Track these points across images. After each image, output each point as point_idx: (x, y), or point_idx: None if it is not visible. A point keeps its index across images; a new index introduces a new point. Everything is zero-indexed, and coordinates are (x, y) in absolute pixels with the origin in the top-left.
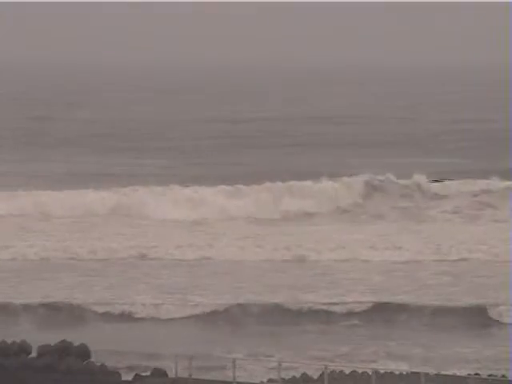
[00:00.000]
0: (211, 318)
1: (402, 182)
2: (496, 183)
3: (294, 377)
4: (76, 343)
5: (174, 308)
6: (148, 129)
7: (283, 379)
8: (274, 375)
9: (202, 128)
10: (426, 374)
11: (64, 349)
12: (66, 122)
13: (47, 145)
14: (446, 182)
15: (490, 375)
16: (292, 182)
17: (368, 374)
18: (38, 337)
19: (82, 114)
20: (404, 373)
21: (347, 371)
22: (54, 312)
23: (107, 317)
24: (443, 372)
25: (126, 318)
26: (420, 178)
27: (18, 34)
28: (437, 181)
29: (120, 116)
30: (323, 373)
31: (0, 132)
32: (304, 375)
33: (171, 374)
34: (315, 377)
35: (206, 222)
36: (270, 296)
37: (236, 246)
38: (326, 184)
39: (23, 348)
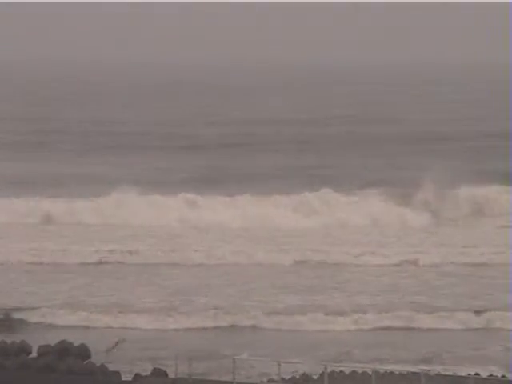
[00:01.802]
0: None
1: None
2: None
3: (293, 377)
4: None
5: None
6: (152, 128)
7: (283, 379)
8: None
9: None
10: (426, 374)
11: (64, 349)
12: (64, 121)
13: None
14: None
15: (490, 375)
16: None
17: (368, 373)
18: None
19: (83, 113)
20: (404, 373)
21: (347, 371)
22: None
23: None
24: (443, 372)
25: None
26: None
27: (17, 33)
28: None
29: (118, 116)
30: (323, 373)
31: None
32: (304, 375)
33: (171, 374)
34: (315, 377)
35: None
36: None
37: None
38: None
39: (23, 348)
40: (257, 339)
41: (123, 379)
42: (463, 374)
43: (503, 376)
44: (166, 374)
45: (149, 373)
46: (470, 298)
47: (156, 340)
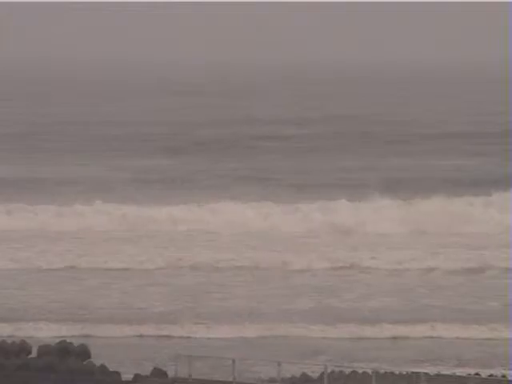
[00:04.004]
0: None
1: None
2: None
3: (293, 377)
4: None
5: None
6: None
7: (283, 379)
8: None
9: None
10: (426, 374)
11: (64, 349)
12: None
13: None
14: None
15: (490, 375)
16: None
17: (368, 373)
18: None
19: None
20: (404, 373)
21: (347, 371)
22: None
23: None
24: (443, 372)
25: None
26: None
27: (14, 32)
28: None
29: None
30: (323, 373)
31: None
32: (304, 375)
33: (171, 374)
34: (315, 377)
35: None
36: None
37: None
38: None
39: (23, 348)
40: None
41: (123, 379)
42: (463, 374)
43: (503, 376)
44: (166, 374)
45: (149, 373)
46: None
47: None
